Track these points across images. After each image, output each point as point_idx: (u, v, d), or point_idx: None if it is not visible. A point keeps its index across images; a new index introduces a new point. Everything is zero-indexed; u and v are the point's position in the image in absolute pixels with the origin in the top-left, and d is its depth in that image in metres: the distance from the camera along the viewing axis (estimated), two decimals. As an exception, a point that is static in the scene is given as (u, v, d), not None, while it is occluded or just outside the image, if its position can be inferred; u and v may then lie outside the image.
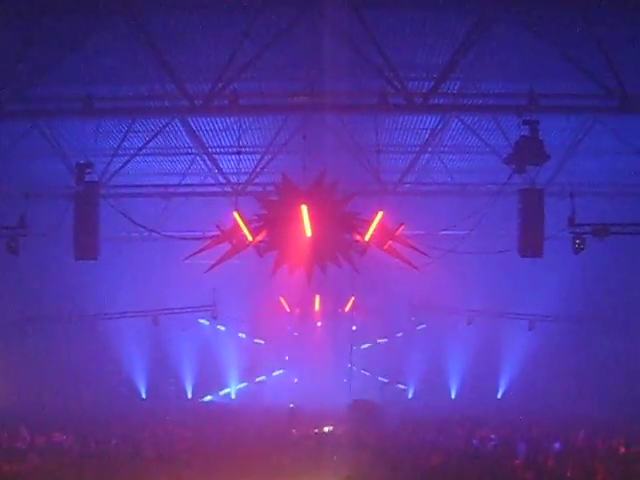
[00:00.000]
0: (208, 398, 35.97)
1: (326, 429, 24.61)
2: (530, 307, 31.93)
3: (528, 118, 17.07)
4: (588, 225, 20.85)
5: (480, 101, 19.44)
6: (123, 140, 21.50)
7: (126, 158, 22.14)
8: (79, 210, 19.15)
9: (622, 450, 19.65)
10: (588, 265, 26.37)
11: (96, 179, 19.89)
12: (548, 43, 15.97)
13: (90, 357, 31.92)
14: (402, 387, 36.12)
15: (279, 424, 24.75)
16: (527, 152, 17.50)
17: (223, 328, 35.46)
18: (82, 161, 19.29)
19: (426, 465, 17.93)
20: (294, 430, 23.86)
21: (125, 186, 23.71)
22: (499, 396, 34.62)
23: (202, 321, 34.61)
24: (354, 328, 35.38)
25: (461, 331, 33.18)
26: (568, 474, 16.55)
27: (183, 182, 25.40)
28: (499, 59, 17.82)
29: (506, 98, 18.72)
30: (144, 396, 34.64)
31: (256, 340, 36.42)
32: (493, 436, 22.66)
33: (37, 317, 31.24)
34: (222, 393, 36.51)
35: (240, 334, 36.29)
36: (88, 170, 19.14)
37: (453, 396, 35.19)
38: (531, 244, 19.04)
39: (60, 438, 21.64)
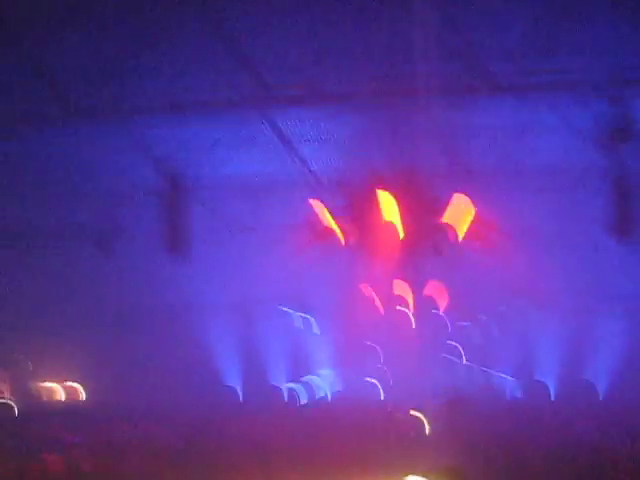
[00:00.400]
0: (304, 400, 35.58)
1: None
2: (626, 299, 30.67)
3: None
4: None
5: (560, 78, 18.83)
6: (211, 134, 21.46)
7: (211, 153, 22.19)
8: (171, 208, 19.50)
9: None
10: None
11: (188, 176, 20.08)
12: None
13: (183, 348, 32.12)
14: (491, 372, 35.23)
15: (373, 423, 24.49)
16: (617, 132, 16.96)
17: (311, 319, 35.11)
18: (173, 158, 19.55)
19: (521, 459, 17.58)
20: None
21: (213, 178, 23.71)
22: (601, 398, 33.32)
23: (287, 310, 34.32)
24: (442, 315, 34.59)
25: (551, 318, 32.15)
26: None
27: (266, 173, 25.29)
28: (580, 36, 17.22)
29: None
30: (241, 399, 34.53)
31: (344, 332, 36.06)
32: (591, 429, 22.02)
33: (135, 313, 31.62)
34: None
35: (327, 326, 35.83)
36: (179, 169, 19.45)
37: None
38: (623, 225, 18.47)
39: (159, 431, 21.85)
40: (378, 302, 34.54)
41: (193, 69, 18.23)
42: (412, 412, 23.70)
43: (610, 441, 19.97)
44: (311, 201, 19.32)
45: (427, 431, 23.77)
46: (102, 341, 30.74)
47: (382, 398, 32.89)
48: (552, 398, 32.93)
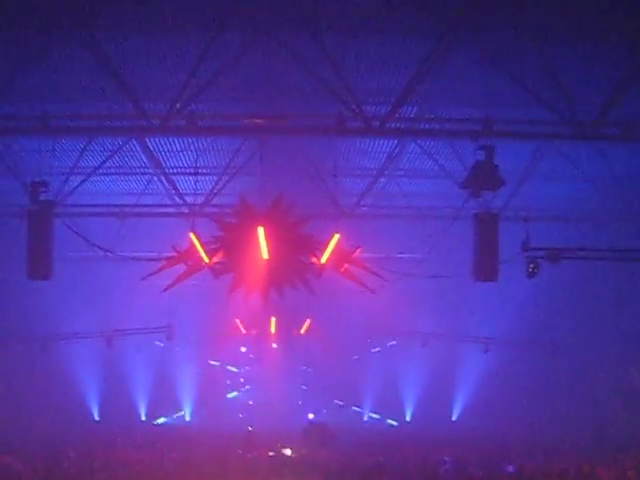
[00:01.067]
0: (162, 420, 35.66)
1: (287, 452, 24.46)
2: (484, 330, 32.24)
3: (484, 143, 17.25)
4: (542, 250, 21.05)
5: (436, 126, 19.61)
6: (79, 159, 21.31)
7: (82, 177, 21.94)
8: (33, 229, 18.89)
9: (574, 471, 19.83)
10: (541, 289, 26.67)
11: (51, 198, 19.64)
12: (503, 70, 16.24)
13: (43, 378, 31.50)
14: (357, 409, 36.14)
15: (234, 447, 24.58)
16: (483, 177, 17.66)
17: (178, 349, 35.15)
18: (37, 180, 19.08)
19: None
20: (248, 454, 23.66)
21: (80, 205, 23.45)
22: (454, 418, 34.83)
23: (157, 342, 34.36)
24: (309, 350, 35.43)
25: (416, 354, 33.36)
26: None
27: (139, 202, 25.20)
28: (455, 85, 18.08)
29: (462, 123, 18.88)
30: (97, 418, 34.25)
31: (211, 362, 36.24)
32: (447, 458, 22.72)
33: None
34: (176, 415, 36.24)
35: (196, 355, 36.00)
36: (43, 189, 18.90)
37: (408, 418, 35.30)
38: (485, 268, 19.15)
39: (9, 461, 21.23)
40: (245, 335, 34.81)
41: (71, 94, 17.96)
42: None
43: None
44: (189, 234, 19.23)
45: (288, 452, 24.16)
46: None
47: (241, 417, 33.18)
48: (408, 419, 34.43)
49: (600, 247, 21.74)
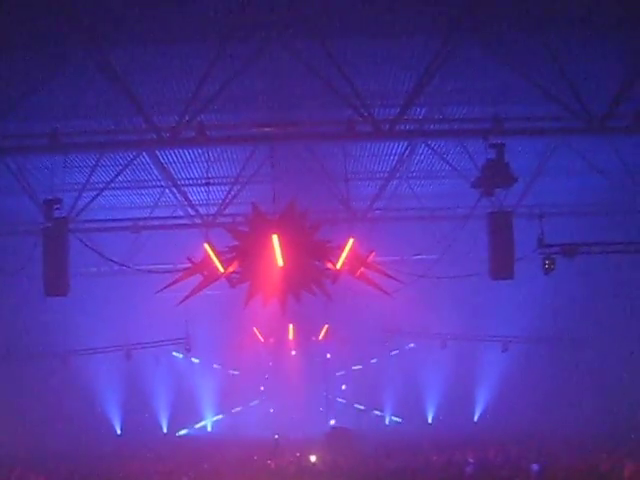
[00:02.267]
0: (184, 432, 35.71)
1: (312, 459, 24.40)
2: (503, 329, 32.12)
3: (494, 141, 17.21)
4: (557, 245, 21.00)
5: (446, 126, 19.62)
6: (91, 175, 21.41)
7: (95, 192, 22.03)
8: (48, 246, 18.93)
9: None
10: (558, 285, 26.55)
11: (65, 214, 19.72)
12: (511, 67, 16.20)
13: (63, 394, 31.60)
14: (378, 413, 36.09)
15: (257, 455, 24.59)
16: (494, 175, 17.62)
17: (197, 360, 35.31)
18: (50, 197, 19.16)
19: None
20: (276, 461, 23.64)
21: (95, 221, 23.55)
22: (476, 419, 34.71)
23: (176, 354, 34.47)
24: (328, 356, 35.45)
25: (435, 355, 33.30)
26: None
27: (153, 215, 25.29)
28: (463, 84, 18.04)
29: (472, 122, 18.88)
30: (119, 432, 34.34)
31: (231, 371, 36.29)
32: (471, 460, 22.64)
33: (7, 355, 30.89)
34: (198, 426, 36.28)
35: (215, 366, 36.17)
36: (56, 206, 18.97)
37: (430, 420, 35.21)
38: (502, 266, 19.10)
39: (32, 476, 21.31)
40: (264, 343, 34.84)
41: (81, 110, 18.04)
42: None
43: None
44: (204, 244, 19.25)
45: (313, 459, 24.14)
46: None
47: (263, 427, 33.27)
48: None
49: (616, 240, 21.64)
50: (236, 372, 36.36)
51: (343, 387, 36.49)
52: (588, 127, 16.89)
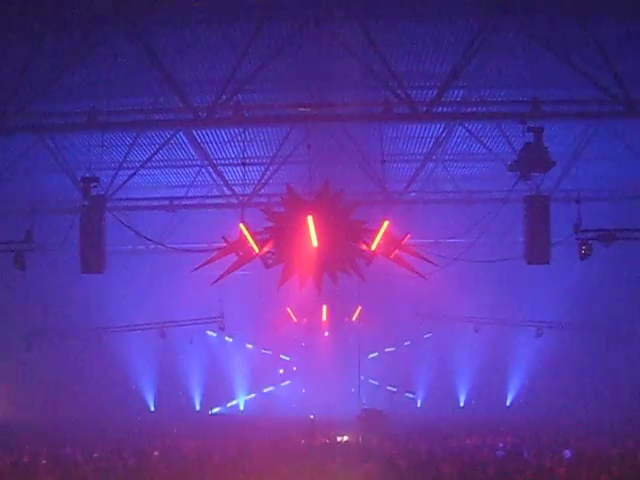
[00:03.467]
0: (216, 410, 35.96)
1: (344, 438, 24.50)
2: (537, 314, 31.93)
3: (532, 125, 17.05)
4: (594, 231, 20.81)
5: (484, 109, 19.49)
6: (128, 153, 21.58)
7: (132, 171, 22.20)
8: (85, 224, 19.10)
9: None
10: (594, 271, 26.32)
11: (102, 193, 19.89)
12: (550, 50, 16.02)
13: (98, 370, 31.98)
14: (410, 396, 36.09)
15: (292, 434, 24.72)
16: (532, 159, 17.47)
17: (231, 339, 35.52)
18: (88, 175, 19.32)
19: (436, 474, 17.84)
20: (311, 441, 23.74)
21: (131, 199, 23.73)
22: (508, 403, 34.59)
23: (210, 333, 34.68)
24: (361, 338, 35.49)
25: (468, 339, 33.18)
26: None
27: (189, 194, 25.44)
28: (502, 67, 17.91)
29: (510, 105, 18.74)
30: (153, 409, 34.68)
31: (264, 351, 36.46)
32: (501, 444, 22.58)
33: (44, 331, 31.30)
34: (230, 405, 36.51)
35: (248, 345, 36.36)
36: (94, 184, 19.13)
37: (462, 404, 35.15)
38: (537, 251, 18.97)
39: (68, 452, 21.59)
40: (297, 323, 34.93)
41: (118, 89, 18.14)
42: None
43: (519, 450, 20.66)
44: (239, 224, 19.30)
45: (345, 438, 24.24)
46: (13, 360, 30.25)
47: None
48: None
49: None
50: (269, 352, 36.51)
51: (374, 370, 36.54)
52: (628, 111, 16.68)
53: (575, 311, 31.03)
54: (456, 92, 18.75)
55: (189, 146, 22.38)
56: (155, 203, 25.17)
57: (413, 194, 25.16)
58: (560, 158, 19.57)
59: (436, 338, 35.01)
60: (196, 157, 23.42)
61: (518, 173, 18.29)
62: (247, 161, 21.93)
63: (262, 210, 19.77)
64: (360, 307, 33.19)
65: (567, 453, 20.37)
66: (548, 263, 19.04)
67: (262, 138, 22.03)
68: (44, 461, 19.63)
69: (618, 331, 31.45)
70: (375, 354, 36.47)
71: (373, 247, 19.28)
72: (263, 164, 23.05)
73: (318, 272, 19.05)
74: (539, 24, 15.62)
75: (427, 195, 26.01)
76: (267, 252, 19.71)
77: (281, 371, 37.03)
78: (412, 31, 16.43)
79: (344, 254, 19.11)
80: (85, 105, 17.69)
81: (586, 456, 19.68)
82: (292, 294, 23.77)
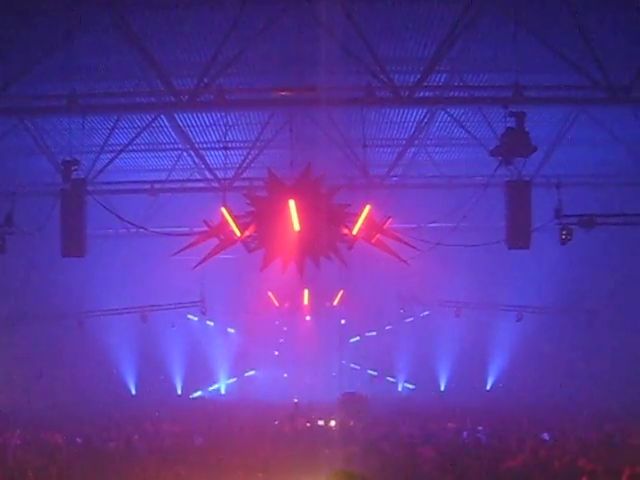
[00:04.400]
0: (197, 394, 35.99)
1: (325, 422, 24.54)
2: (518, 298, 32.08)
3: (514, 110, 17.07)
4: (574, 216, 20.90)
5: (466, 93, 19.50)
6: (109, 137, 21.46)
7: (113, 155, 22.08)
8: (66, 207, 18.97)
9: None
10: (575, 256, 26.47)
11: (82, 176, 19.75)
12: (533, 35, 16.03)
13: (78, 355, 31.89)
14: (391, 380, 36.24)
15: (275, 419, 24.78)
16: (513, 144, 17.48)
17: (212, 323, 35.52)
18: (68, 158, 19.17)
19: (418, 458, 17.94)
20: (294, 425, 23.80)
21: (112, 183, 23.63)
22: (488, 387, 34.82)
23: (191, 317, 34.66)
24: (343, 322, 35.56)
25: (449, 323, 33.33)
26: (557, 464, 16.62)
27: (170, 178, 25.36)
28: (484, 52, 17.90)
29: (492, 90, 18.74)
30: (134, 393, 34.67)
31: (245, 335, 36.47)
32: (481, 428, 22.72)
33: (25, 315, 31.14)
34: (212, 389, 36.56)
35: (229, 329, 36.39)
36: (74, 167, 18.98)
37: (442, 388, 35.34)
38: (518, 236, 19.03)
39: (49, 436, 21.56)
40: (279, 307, 34.97)
41: (99, 72, 18.03)
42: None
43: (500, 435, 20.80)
44: (220, 208, 19.26)
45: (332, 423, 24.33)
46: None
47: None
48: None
49: (635, 212, 21.50)
50: (250, 336, 36.53)
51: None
52: (610, 97, 16.75)
53: (554, 296, 31.21)
54: (438, 77, 18.74)
55: (171, 130, 22.28)
56: (136, 187, 25.12)
57: (395, 179, 25.18)
58: (541, 143, 19.61)
59: (417, 322, 35.17)
60: (178, 141, 23.33)
61: (500, 158, 18.32)
62: (229, 145, 21.88)
63: (244, 194, 19.78)
64: (342, 291, 33.26)
65: (545, 436, 20.54)
66: (529, 248, 19.11)
67: (244, 122, 21.95)
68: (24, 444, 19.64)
69: (598, 315, 31.63)
70: (357, 338, 36.58)
71: (355, 231, 19.34)
72: (245, 148, 22.98)
73: (300, 256, 19.09)
74: (522, 8, 15.61)
75: (409, 180, 26.07)
76: (249, 236, 19.73)
77: (276, 352, 37.03)
78: (394, 15, 16.36)
79: (326, 238, 19.16)
80: (66, 88, 17.53)
81: (564, 440, 19.86)
82: (273, 278, 23.75)
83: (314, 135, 21.85)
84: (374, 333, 36.32)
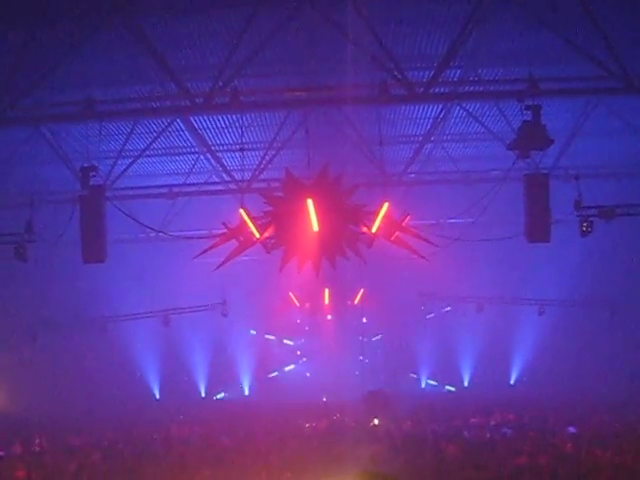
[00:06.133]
0: (221, 396, 36.07)
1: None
2: (539, 292, 31.98)
3: (530, 103, 16.99)
4: (594, 207, 20.79)
5: (481, 88, 19.42)
6: (126, 142, 21.56)
7: (130, 160, 22.19)
8: (85, 214, 19.08)
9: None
10: (596, 248, 26.33)
11: (101, 182, 19.85)
12: (547, 27, 15.95)
13: (102, 360, 32.05)
14: (414, 376, 36.19)
15: (294, 418, 24.83)
16: (530, 137, 17.40)
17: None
18: (86, 165, 19.27)
19: (443, 455, 17.93)
20: (323, 424, 23.86)
21: (130, 188, 23.74)
22: (512, 382, 34.70)
23: (213, 319, 34.68)
24: (364, 320, 35.54)
25: (471, 319, 33.25)
26: (583, 457, 16.57)
27: (188, 182, 25.45)
28: (498, 45, 17.84)
29: (507, 84, 18.66)
30: (158, 397, 34.78)
31: (267, 336, 36.52)
32: (506, 423, 22.67)
33: (47, 322, 31.33)
34: (235, 390, 36.60)
35: (251, 331, 36.41)
36: (92, 173, 19.07)
37: (466, 384, 35.26)
38: (538, 229, 18.95)
39: (75, 441, 21.69)
40: (300, 307, 34.99)
41: (115, 78, 18.10)
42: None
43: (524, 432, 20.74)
44: (239, 210, 19.28)
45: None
46: (17, 352, 30.34)
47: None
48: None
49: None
50: (272, 337, 36.59)
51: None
52: (626, 87, 16.62)
53: (576, 289, 31.07)
54: (453, 72, 18.70)
55: (187, 133, 22.36)
56: (155, 191, 25.22)
57: (412, 175, 25.15)
58: (559, 135, 19.52)
59: (439, 319, 35.10)
60: (194, 144, 23.40)
61: (517, 152, 18.25)
62: (245, 146, 21.87)
63: (261, 195, 19.77)
64: (362, 290, 33.23)
65: (571, 429, 20.48)
66: (549, 241, 19.03)
67: (260, 123, 21.97)
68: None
69: (618, 308, 31.45)
70: (378, 336, 36.56)
71: (374, 230, 19.27)
72: (261, 149, 23.01)
73: (318, 256, 19.06)
74: (535, 1, 15.54)
75: (426, 176, 26.02)
76: (267, 237, 19.72)
77: (298, 352, 37.06)
78: (407, 11, 16.34)
79: (344, 237, 19.11)
80: (82, 94, 17.63)
81: (590, 432, 19.79)
82: (294, 278, 23.76)
83: (330, 134, 21.88)
84: (396, 330, 36.27)
